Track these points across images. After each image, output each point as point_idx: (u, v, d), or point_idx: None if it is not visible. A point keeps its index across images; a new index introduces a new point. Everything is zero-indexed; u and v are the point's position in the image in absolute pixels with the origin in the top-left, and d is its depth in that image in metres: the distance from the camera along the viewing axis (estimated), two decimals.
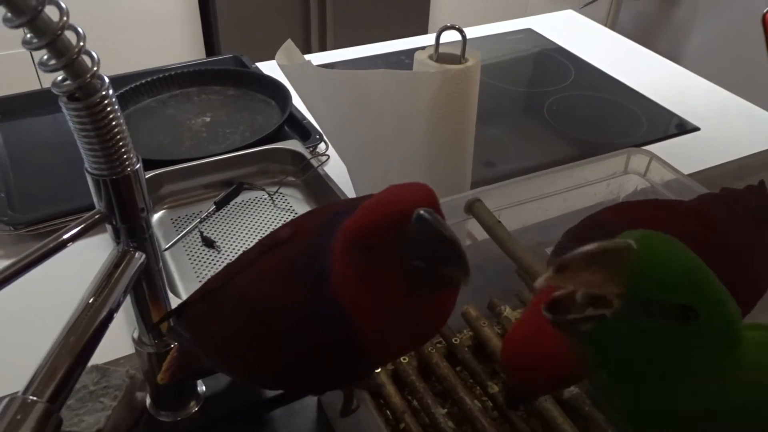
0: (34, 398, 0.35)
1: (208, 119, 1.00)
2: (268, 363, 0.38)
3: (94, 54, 0.37)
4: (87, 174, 0.41)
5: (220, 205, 0.84)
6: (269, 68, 1.13)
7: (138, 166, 0.42)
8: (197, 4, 2.10)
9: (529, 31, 1.36)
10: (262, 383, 0.42)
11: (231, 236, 0.80)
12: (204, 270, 0.75)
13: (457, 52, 0.66)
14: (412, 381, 0.54)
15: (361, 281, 0.34)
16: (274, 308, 0.36)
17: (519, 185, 0.59)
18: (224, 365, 0.42)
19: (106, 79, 0.38)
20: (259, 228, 0.82)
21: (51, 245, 0.39)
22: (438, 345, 0.58)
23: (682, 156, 0.97)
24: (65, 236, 0.40)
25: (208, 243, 0.79)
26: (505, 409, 0.53)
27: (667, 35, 2.59)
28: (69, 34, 0.35)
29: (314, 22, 2.23)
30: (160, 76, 1.05)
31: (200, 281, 0.74)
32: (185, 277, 0.74)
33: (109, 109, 0.38)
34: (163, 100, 1.05)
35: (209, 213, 0.83)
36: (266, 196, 0.87)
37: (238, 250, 0.78)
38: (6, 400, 0.35)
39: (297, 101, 0.99)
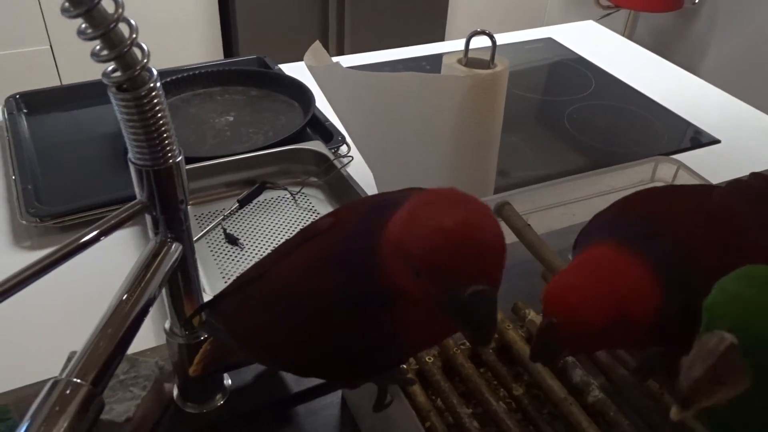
0: (78, 381, 0.35)
1: (231, 119, 1.01)
2: (308, 349, 0.38)
3: (144, 46, 0.38)
4: (130, 164, 0.42)
5: (243, 203, 0.85)
6: (291, 70, 1.14)
7: (180, 158, 0.42)
8: (217, 7, 2.12)
9: (549, 41, 1.36)
10: (299, 371, 0.42)
11: (254, 234, 0.81)
12: (227, 266, 0.76)
13: (483, 57, 0.66)
14: (437, 381, 0.54)
15: (402, 277, 0.34)
16: (316, 293, 0.36)
17: (546, 190, 0.60)
18: (261, 355, 0.43)
19: (155, 72, 0.39)
20: (281, 227, 0.82)
21: (93, 233, 0.40)
22: (462, 346, 0.58)
23: (703, 168, 0.96)
24: (108, 225, 0.40)
25: (232, 240, 0.79)
26: (529, 411, 0.54)
27: (684, 48, 2.59)
28: (122, 26, 0.36)
29: (332, 26, 2.24)
30: (184, 75, 1.06)
31: (223, 277, 0.75)
32: (209, 273, 0.75)
33: (156, 101, 0.39)
34: (187, 98, 1.06)
35: (232, 210, 0.84)
36: (289, 195, 0.88)
37: (261, 247, 0.79)
38: (51, 381, 0.35)
39: (320, 103, 1.00)
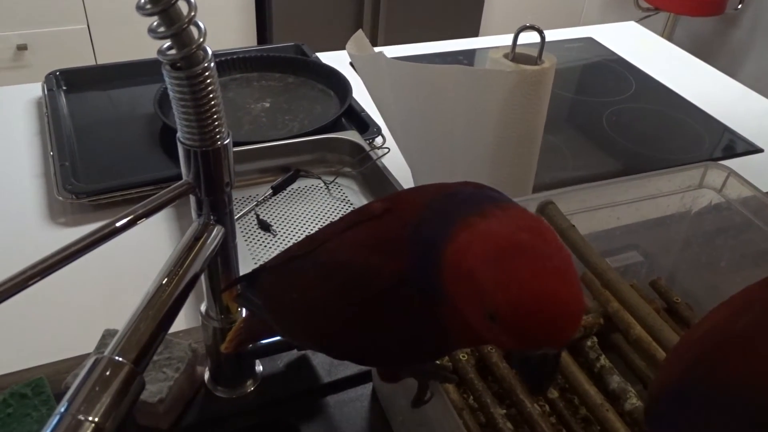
0: (120, 359, 0.35)
1: (267, 105, 1.00)
2: (352, 329, 0.37)
3: (201, 25, 0.37)
4: (179, 143, 0.41)
5: (276, 190, 0.85)
6: (327, 59, 1.13)
7: (228, 140, 0.42)
8: None
9: (590, 40, 1.34)
10: (337, 352, 0.41)
11: (286, 221, 0.81)
12: (259, 252, 0.76)
13: (529, 53, 0.65)
14: (471, 379, 0.53)
15: (466, 303, 0.33)
16: (370, 272, 0.35)
17: (590, 191, 0.58)
18: (301, 332, 0.42)
19: (210, 51, 0.38)
20: (314, 215, 0.82)
21: (140, 211, 0.39)
22: None
23: (748, 177, 0.95)
24: (154, 204, 0.40)
25: (264, 226, 0.79)
26: (563, 415, 0.53)
27: (724, 54, 2.54)
28: (181, 4, 0.36)
29: (367, 18, 2.23)
30: (222, 59, 1.06)
31: (255, 262, 0.74)
32: (241, 258, 0.74)
33: (209, 81, 0.38)
34: (224, 83, 1.05)
35: (266, 197, 0.84)
36: (322, 184, 0.87)
37: (294, 234, 0.78)
38: (93, 358, 0.35)
39: (356, 93, 0.99)
